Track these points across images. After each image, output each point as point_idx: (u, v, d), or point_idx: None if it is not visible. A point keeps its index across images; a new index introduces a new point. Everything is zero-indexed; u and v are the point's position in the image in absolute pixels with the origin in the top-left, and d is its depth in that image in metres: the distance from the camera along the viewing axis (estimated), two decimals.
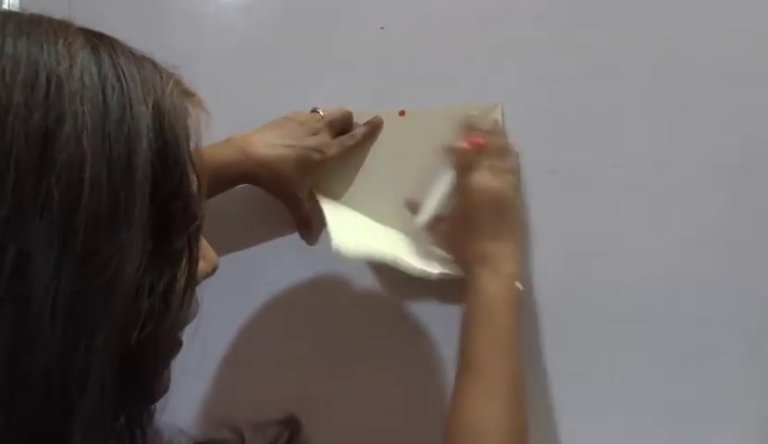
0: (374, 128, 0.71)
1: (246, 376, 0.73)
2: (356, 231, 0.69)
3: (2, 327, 0.31)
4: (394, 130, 0.71)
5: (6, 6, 0.77)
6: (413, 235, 0.70)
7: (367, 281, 0.72)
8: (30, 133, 0.32)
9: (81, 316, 0.33)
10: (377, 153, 0.71)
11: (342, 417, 0.70)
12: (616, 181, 0.69)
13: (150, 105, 0.37)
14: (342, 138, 0.70)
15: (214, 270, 0.46)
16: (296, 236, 0.72)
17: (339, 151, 0.69)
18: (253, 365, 0.73)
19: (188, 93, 0.42)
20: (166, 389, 0.41)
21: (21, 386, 0.32)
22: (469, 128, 0.67)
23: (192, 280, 0.39)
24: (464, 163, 0.65)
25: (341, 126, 0.70)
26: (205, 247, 0.44)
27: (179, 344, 0.42)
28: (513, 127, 0.70)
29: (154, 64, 0.40)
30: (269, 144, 0.66)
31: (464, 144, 0.65)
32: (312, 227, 0.71)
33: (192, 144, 0.40)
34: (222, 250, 0.73)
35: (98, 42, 0.37)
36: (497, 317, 0.60)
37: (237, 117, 0.72)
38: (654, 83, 0.69)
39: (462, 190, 0.65)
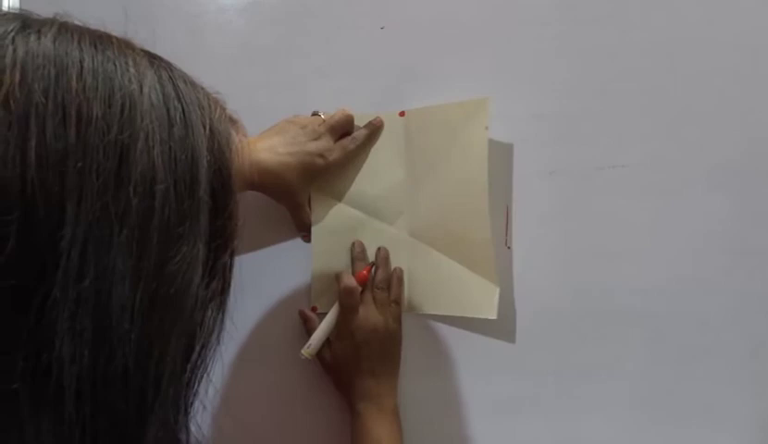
0: (374, 129, 0.71)
1: (246, 376, 0.73)
2: (335, 275, 0.70)
3: (83, 332, 0.33)
4: (394, 131, 0.71)
5: (5, 7, 0.77)
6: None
7: None
8: (109, 147, 0.34)
9: (156, 324, 0.35)
10: (378, 153, 0.71)
11: (342, 417, 0.70)
12: (616, 181, 0.69)
13: (207, 128, 0.40)
14: (344, 141, 0.70)
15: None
16: (297, 239, 0.73)
17: (341, 155, 0.69)
18: (253, 366, 0.73)
19: (232, 120, 0.44)
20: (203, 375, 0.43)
21: (101, 388, 0.33)
22: (357, 259, 0.70)
23: (226, 295, 0.42)
24: (354, 304, 0.67)
25: (343, 129, 0.70)
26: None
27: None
28: (513, 127, 0.70)
29: (204, 89, 0.43)
30: (273, 152, 0.66)
31: (351, 281, 0.67)
32: (309, 227, 0.71)
33: (233, 168, 0.42)
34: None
35: (159, 63, 0.40)
36: None
37: (236, 117, 0.73)
38: (654, 83, 0.69)
39: (347, 326, 0.67)
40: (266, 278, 0.74)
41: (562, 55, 0.70)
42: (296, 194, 0.69)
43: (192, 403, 0.41)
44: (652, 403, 0.69)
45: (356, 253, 0.70)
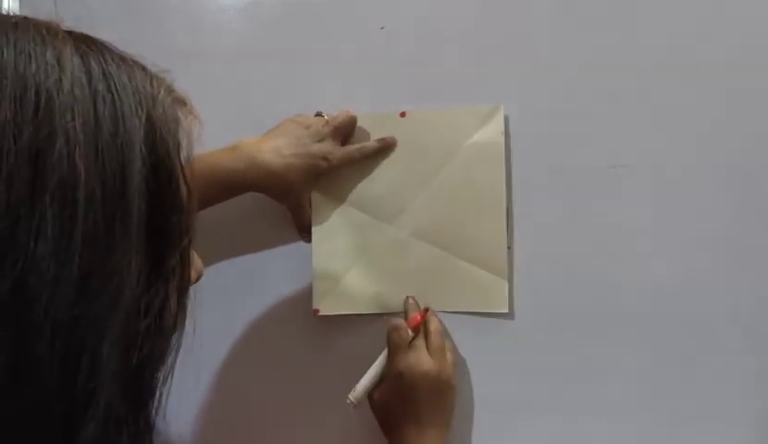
0: (385, 146, 0.70)
1: (247, 377, 0.73)
2: (338, 279, 0.70)
3: (3, 345, 0.30)
4: (395, 132, 0.71)
5: (5, 9, 0.77)
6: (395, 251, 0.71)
7: None
8: (21, 152, 0.31)
9: (82, 340, 0.32)
10: (378, 154, 0.71)
11: (340, 418, 0.70)
12: (616, 181, 0.69)
13: (143, 119, 0.35)
14: (350, 149, 0.69)
15: (199, 277, 0.45)
16: (298, 237, 0.73)
17: (345, 160, 0.69)
18: (253, 367, 0.73)
19: (179, 101, 0.40)
20: (163, 381, 0.40)
21: (23, 410, 0.31)
22: (410, 309, 0.67)
23: (185, 295, 0.39)
24: (400, 342, 0.64)
25: (347, 131, 0.70)
26: (192, 256, 0.43)
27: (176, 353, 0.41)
28: (513, 127, 0.70)
29: (144, 69, 0.38)
30: (278, 154, 0.66)
31: (398, 320, 0.65)
32: (310, 227, 0.71)
33: (183, 156, 0.38)
34: (223, 253, 0.74)
35: (87, 48, 0.36)
36: None
37: (237, 117, 0.73)
38: (654, 83, 0.69)
39: (395, 367, 0.64)
40: (267, 280, 0.74)
41: (562, 55, 0.70)
42: (299, 196, 0.69)
43: (147, 419, 0.38)
44: (652, 403, 0.69)
45: (409, 305, 0.68)
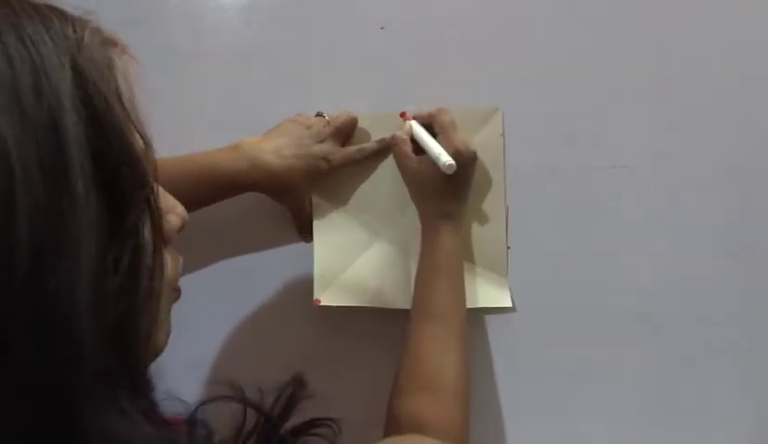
0: (385, 147, 0.70)
1: (248, 375, 0.73)
2: (340, 271, 0.71)
3: None
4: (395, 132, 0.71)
5: None
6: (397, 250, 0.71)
7: None
8: None
9: (52, 312, 0.30)
10: (379, 155, 0.71)
11: (341, 416, 0.70)
12: (616, 181, 0.69)
13: (67, 67, 0.32)
14: (350, 150, 0.69)
15: (184, 223, 0.43)
16: (297, 237, 0.73)
17: (345, 161, 0.69)
18: (253, 365, 0.73)
19: (109, 42, 0.36)
20: (164, 342, 0.39)
21: (10, 397, 0.30)
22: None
23: (160, 244, 0.36)
24: (449, 123, 0.65)
25: (348, 131, 0.70)
26: (170, 201, 0.41)
27: (178, 292, 0.40)
28: (513, 127, 0.70)
29: (63, 14, 0.35)
30: (279, 154, 0.66)
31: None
32: (311, 230, 0.72)
33: (126, 100, 0.35)
34: (223, 252, 0.74)
35: None
36: (457, 270, 0.64)
37: (237, 117, 0.73)
38: (655, 83, 0.69)
39: (456, 147, 0.64)
40: (266, 279, 0.74)
41: (562, 55, 0.70)
42: (299, 196, 0.69)
43: (142, 369, 0.37)
44: (652, 403, 0.69)
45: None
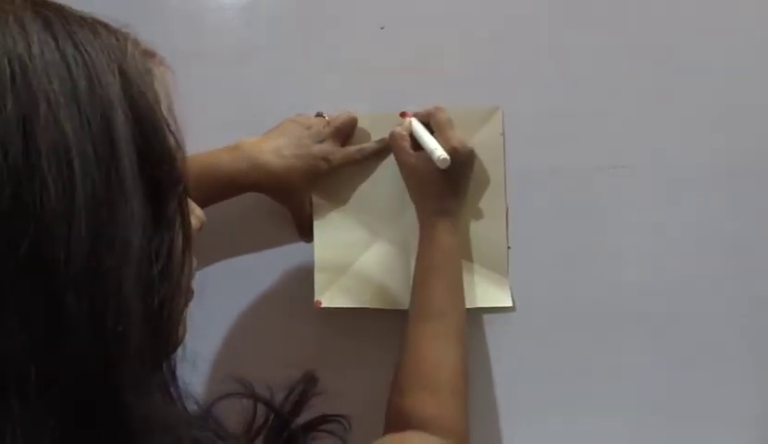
0: (384, 146, 0.70)
1: (250, 374, 0.73)
2: (341, 272, 0.71)
3: (35, 321, 0.31)
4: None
5: None
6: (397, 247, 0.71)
7: None
8: (8, 122, 0.31)
9: (104, 292, 0.33)
10: (379, 155, 0.71)
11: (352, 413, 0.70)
12: (616, 181, 0.69)
13: (116, 74, 0.35)
14: (350, 150, 0.70)
15: (202, 225, 0.46)
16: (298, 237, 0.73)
17: (344, 161, 0.69)
18: (255, 363, 0.73)
19: (148, 54, 0.40)
20: (182, 338, 0.42)
21: (64, 365, 0.32)
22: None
23: (189, 239, 0.40)
24: (446, 121, 0.66)
25: (348, 131, 0.70)
26: (191, 204, 0.43)
27: (192, 294, 0.43)
28: (513, 127, 0.70)
29: (106, 26, 0.38)
30: (279, 155, 0.66)
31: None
32: (311, 230, 0.71)
33: (164, 106, 0.38)
34: (225, 249, 0.74)
35: (47, 12, 0.35)
36: (455, 268, 0.65)
37: (237, 117, 0.73)
38: (654, 83, 0.69)
39: (452, 145, 0.64)
40: (267, 279, 0.73)
41: (562, 55, 0.70)
42: (299, 196, 0.69)
43: (171, 356, 0.39)
44: (652, 403, 0.69)
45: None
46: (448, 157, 0.62)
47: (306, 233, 0.72)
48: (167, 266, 0.37)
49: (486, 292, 0.70)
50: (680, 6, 0.69)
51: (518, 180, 0.70)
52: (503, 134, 0.69)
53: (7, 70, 0.32)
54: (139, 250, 0.34)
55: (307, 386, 0.53)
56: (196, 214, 0.45)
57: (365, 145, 0.70)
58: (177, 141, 0.39)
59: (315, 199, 0.71)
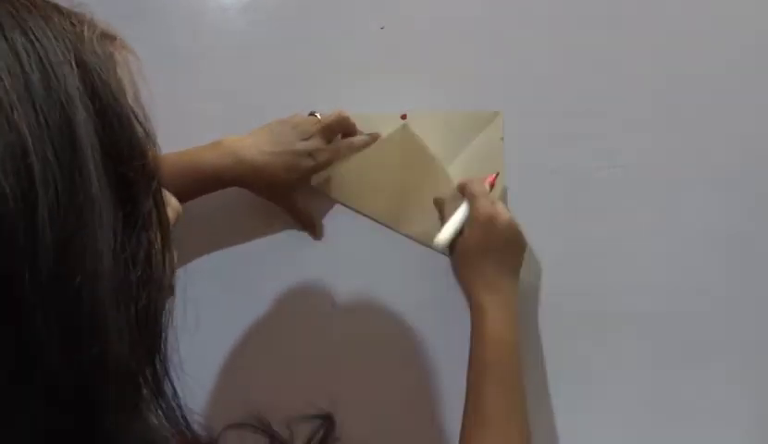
0: (373, 140, 0.71)
1: (251, 373, 0.73)
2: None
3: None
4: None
5: None
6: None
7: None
8: None
9: (76, 309, 0.30)
10: (379, 155, 0.71)
11: (354, 415, 0.70)
12: (616, 181, 0.69)
13: (73, 63, 0.32)
14: (340, 144, 0.69)
15: (179, 217, 0.43)
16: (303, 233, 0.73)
17: (332, 157, 0.69)
18: (263, 364, 0.73)
19: (108, 37, 0.36)
20: (166, 327, 0.38)
21: (35, 394, 0.29)
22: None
23: (167, 236, 0.37)
24: (483, 190, 0.65)
25: (339, 130, 0.70)
26: (166, 196, 0.40)
27: (172, 290, 0.40)
28: (513, 127, 0.70)
29: (58, 9, 0.34)
30: (260, 150, 0.66)
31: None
32: (313, 224, 0.71)
33: (130, 95, 0.35)
34: (227, 245, 0.74)
35: None
36: (508, 363, 0.61)
37: (237, 117, 0.73)
38: (655, 83, 0.69)
39: (488, 213, 0.64)
40: (269, 275, 0.73)
41: (562, 56, 0.70)
42: (283, 192, 0.69)
43: (160, 356, 0.36)
44: (652, 403, 0.69)
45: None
46: (442, 245, 0.64)
47: (311, 229, 0.71)
48: (146, 270, 0.34)
49: None
50: (680, 6, 0.69)
51: (518, 180, 0.70)
52: (504, 139, 0.70)
53: None
54: (112, 258, 0.31)
55: (327, 431, 0.51)
56: (172, 205, 0.42)
57: (353, 139, 0.70)
58: (146, 131, 0.35)
59: (315, 202, 0.71)
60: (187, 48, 0.73)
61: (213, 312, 0.73)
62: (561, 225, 0.70)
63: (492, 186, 0.67)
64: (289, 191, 0.69)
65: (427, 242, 0.70)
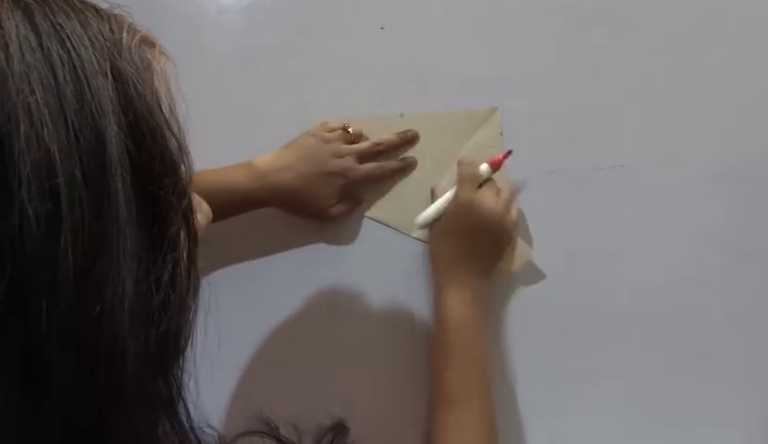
0: (407, 167, 0.70)
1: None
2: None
3: (9, 379, 0.27)
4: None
5: None
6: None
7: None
8: None
9: (94, 339, 0.28)
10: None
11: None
12: (616, 181, 0.69)
13: (109, 74, 0.30)
14: (371, 166, 0.68)
15: (209, 221, 0.42)
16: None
17: (363, 179, 0.68)
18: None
19: (147, 42, 0.34)
20: (185, 349, 0.37)
21: (47, 425, 0.28)
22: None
23: (194, 255, 0.35)
24: (473, 176, 0.64)
25: (371, 157, 0.69)
26: (196, 199, 0.38)
27: (195, 311, 0.38)
28: (513, 127, 0.70)
29: (98, 11, 0.32)
30: (292, 174, 0.65)
31: (470, 157, 0.65)
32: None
33: (165, 107, 0.33)
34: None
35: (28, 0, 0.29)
36: (473, 346, 0.61)
37: (237, 117, 0.73)
38: (654, 83, 0.69)
39: (468, 198, 0.63)
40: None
41: (562, 55, 0.70)
42: (316, 209, 0.68)
43: (177, 371, 0.34)
44: (652, 403, 0.69)
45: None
46: (422, 226, 0.64)
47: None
48: (169, 293, 0.32)
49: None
50: (680, 5, 0.69)
51: (518, 181, 0.70)
52: (502, 134, 0.70)
53: None
54: (135, 285, 0.30)
55: (337, 435, 0.50)
56: (203, 210, 0.41)
57: (386, 163, 0.69)
58: (180, 145, 0.34)
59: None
60: (187, 48, 0.73)
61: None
62: (561, 225, 0.70)
63: (497, 166, 0.65)
64: (321, 205, 0.67)
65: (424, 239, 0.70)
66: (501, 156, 0.66)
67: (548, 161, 0.70)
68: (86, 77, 0.29)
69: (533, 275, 0.70)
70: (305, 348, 0.72)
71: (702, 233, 0.68)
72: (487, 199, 0.63)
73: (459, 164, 0.66)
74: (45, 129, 0.27)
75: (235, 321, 0.71)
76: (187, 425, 0.35)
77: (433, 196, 0.69)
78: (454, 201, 0.65)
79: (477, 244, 0.63)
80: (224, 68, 0.74)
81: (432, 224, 0.66)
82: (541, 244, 0.70)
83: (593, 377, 0.69)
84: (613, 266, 0.69)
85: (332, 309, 0.72)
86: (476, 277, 0.63)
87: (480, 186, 0.65)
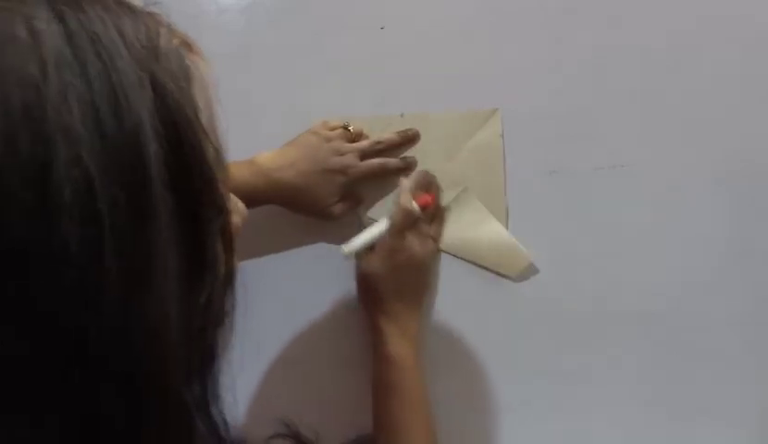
0: (407, 167, 0.70)
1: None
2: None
3: (49, 422, 0.26)
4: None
5: None
6: None
7: None
8: (24, 170, 0.24)
9: (137, 361, 0.28)
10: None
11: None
12: (616, 181, 0.69)
13: (147, 85, 0.28)
14: (372, 163, 0.68)
15: (245, 220, 0.41)
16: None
17: (364, 176, 0.68)
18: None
19: (185, 45, 0.33)
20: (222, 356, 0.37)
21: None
22: (422, 187, 0.68)
23: (232, 274, 0.34)
24: (405, 223, 0.65)
25: (373, 154, 0.69)
26: (232, 199, 0.36)
27: (231, 326, 0.38)
28: (513, 127, 0.70)
29: (132, 10, 0.30)
30: (294, 171, 0.65)
31: (414, 205, 0.65)
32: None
33: (204, 116, 0.31)
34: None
35: (62, 6, 0.27)
36: (408, 380, 0.63)
37: (236, 117, 0.72)
38: (654, 83, 0.69)
39: (390, 244, 0.65)
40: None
41: (562, 56, 0.70)
42: (319, 207, 0.68)
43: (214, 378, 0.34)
44: (652, 403, 0.69)
45: (423, 180, 0.68)
46: (347, 253, 0.65)
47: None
48: (209, 310, 0.31)
49: (500, 259, 0.70)
50: (680, 5, 0.69)
51: (518, 180, 0.70)
52: (503, 135, 0.70)
53: (18, 99, 0.24)
54: (177, 303, 0.29)
55: None
56: (239, 210, 0.40)
57: (387, 161, 0.70)
58: (218, 155, 0.32)
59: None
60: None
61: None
62: (561, 225, 0.70)
63: (426, 207, 0.67)
64: (324, 203, 0.68)
65: None
66: (430, 199, 0.67)
67: (548, 161, 0.70)
68: (124, 90, 0.27)
69: (533, 275, 0.70)
70: (305, 347, 0.72)
71: (702, 233, 0.68)
72: (411, 246, 0.65)
73: (401, 193, 0.66)
74: (84, 149, 0.25)
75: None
76: (222, 427, 0.34)
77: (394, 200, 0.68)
78: (382, 245, 0.65)
79: (411, 281, 0.66)
80: (224, 68, 0.74)
81: (361, 252, 0.66)
82: (541, 244, 0.70)
83: (593, 377, 0.69)
84: (614, 266, 0.69)
85: (332, 308, 0.72)
86: (412, 320, 0.65)
87: (415, 222, 0.65)
